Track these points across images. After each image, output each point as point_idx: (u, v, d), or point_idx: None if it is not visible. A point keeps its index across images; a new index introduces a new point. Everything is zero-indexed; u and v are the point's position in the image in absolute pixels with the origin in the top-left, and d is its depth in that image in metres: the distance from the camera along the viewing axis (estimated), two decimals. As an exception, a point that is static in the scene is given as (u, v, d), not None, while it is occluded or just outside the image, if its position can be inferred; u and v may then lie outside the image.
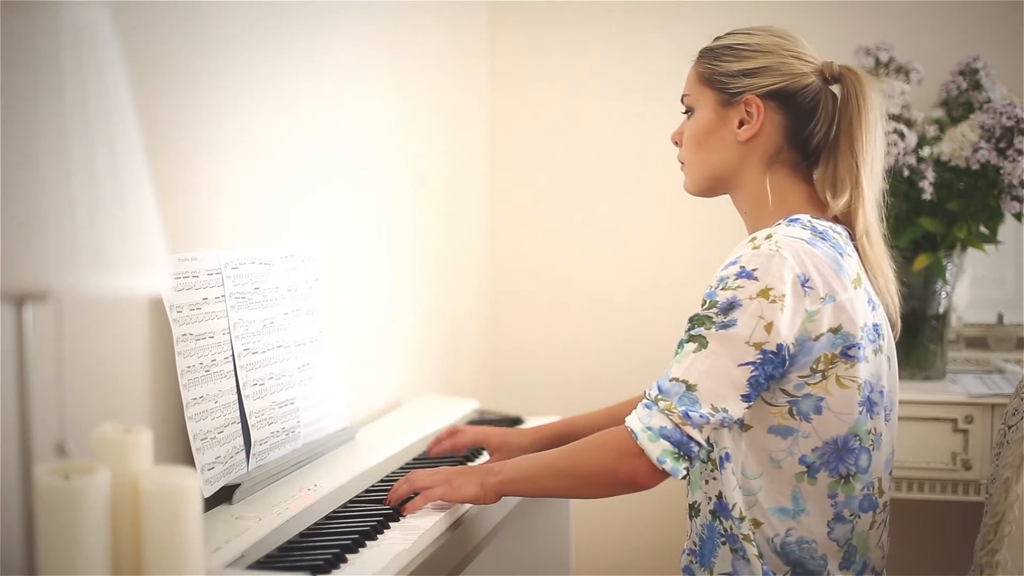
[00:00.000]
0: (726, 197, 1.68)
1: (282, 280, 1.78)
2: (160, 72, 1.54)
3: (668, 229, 2.89)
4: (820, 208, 1.59)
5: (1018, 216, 2.43)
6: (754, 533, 1.52)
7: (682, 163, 1.67)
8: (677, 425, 1.45)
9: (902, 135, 2.41)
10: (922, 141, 2.48)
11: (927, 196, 2.43)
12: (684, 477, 1.48)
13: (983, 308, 2.81)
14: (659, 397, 1.47)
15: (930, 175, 2.43)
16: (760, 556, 1.52)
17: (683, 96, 1.66)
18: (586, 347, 2.96)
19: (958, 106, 2.57)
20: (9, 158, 0.89)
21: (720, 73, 1.60)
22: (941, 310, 2.57)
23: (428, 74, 2.55)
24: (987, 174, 2.42)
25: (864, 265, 1.57)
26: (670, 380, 1.48)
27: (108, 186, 0.92)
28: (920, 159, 2.45)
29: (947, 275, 2.53)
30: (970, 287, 2.75)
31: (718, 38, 1.65)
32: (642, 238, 2.92)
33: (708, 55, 1.63)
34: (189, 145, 1.62)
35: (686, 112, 1.66)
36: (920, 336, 2.55)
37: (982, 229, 2.52)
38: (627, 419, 1.51)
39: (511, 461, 1.63)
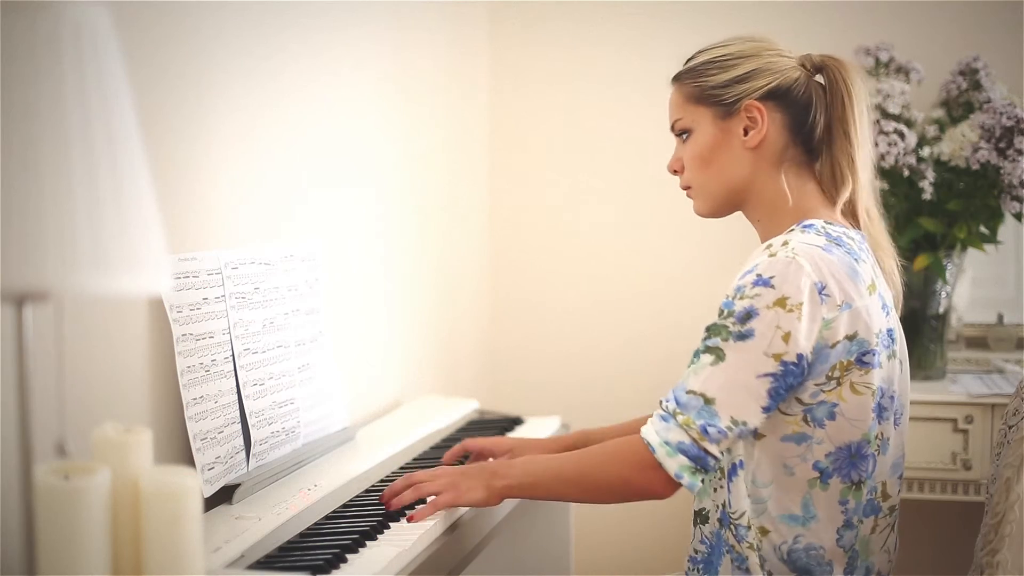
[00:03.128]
0: None
1: (282, 280, 1.78)
2: (160, 72, 1.54)
3: (668, 229, 2.89)
4: (830, 203, 1.58)
5: (1018, 216, 2.43)
6: (760, 541, 1.51)
7: (688, 188, 1.64)
8: (695, 440, 1.44)
9: (902, 135, 2.41)
10: (922, 141, 2.48)
11: (927, 196, 2.43)
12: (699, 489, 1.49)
13: (983, 308, 2.81)
14: (677, 411, 1.46)
15: (930, 175, 2.43)
16: (762, 566, 1.51)
17: (674, 122, 1.63)
18: (586, 347, 2.96)
19: (958, 106, 2.56)
20: (9, 158, 0.89)
21: (711, 87, 1.58)
22: (941, 310, 2.57)
23: (428, 74, 2.55)
24: (987, 174, 2.42)
25: (874, 252, 1.57)
26: (687, 392, 1.47)
27: (108, 186, 0.92)
28: (920, 159, 2.45)
29: (947, 275, 2.53)
30: (970, 287, 2.75)
31: (690, 59, 1.63)
32: (642, 238, 2.92)
33: (690, 75, 1.61)
34: (189, 145, 1.62)
35: (680, 135, 1.63)
36: (920, 336, 2.55)
37: (982, 229, 2.52)
38: (643, 430, 1.49)
39: (519, 463, 1.61)
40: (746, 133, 1.57)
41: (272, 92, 1.85)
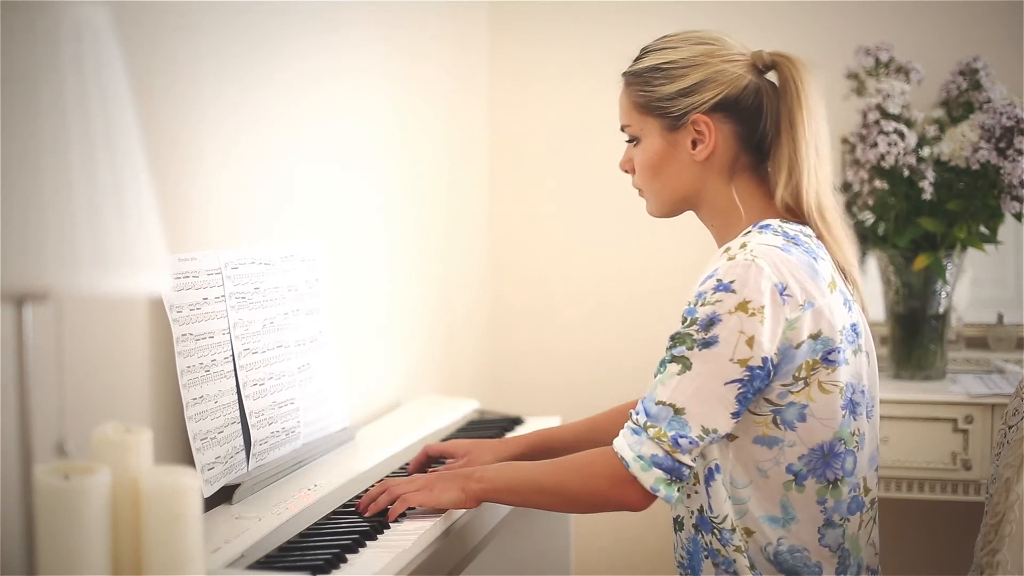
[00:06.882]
0: None
1: (282, 280, 1.78)
2: (159, 71, 1.54)
3: (669, 230, 2.88)
4: (785, 207, 1.55)
5: (1018, 216, 2.43)
6: (747, 543, 1.50)
7: (639, 190, 1.64)
8: (668, 452, 1.45)
9: (902, 135, 2.41)
10: (922, 141, 2.48)
11: (927, 196, 2.43)
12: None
13: (983, 308, 2.81)
14: (648, 424, 1.46)
15: (930, 175, 2.43)
16: (752, 568, 1.50)
17: (623, 126, 1.62)
18: (586, 347, 2.96)
19: (958, 106, 2.56)
20: (9, 158, 0.89)
21: (657, 98, 1.56)
22: (941, 310, 2.57)
23: (428, 74, 2.55)
24: (987, 174, 2.42)
25: (828, 249, 1.55)
26: (656, 403, 1.46)
27: (108, 186, 0.92)
28: (920, 159, 2.45)
29: (947, 275, 2.53)
30: (970, 287, 2.75)
31: (639, 59, 1.60)
32: (643, 238, 2.91)
33: (637, 81, 1.58)
34: (189, 145, 1.62)
35: (630, 141, 1.62)
36: (920, 336, 2.55)
37: (982, 229, 2.52)
38: (615, 444, 1.49)
39: (495, 468, 1.62)
40: (694, 146, 1.55)
41: (272, 91, 1.85)
